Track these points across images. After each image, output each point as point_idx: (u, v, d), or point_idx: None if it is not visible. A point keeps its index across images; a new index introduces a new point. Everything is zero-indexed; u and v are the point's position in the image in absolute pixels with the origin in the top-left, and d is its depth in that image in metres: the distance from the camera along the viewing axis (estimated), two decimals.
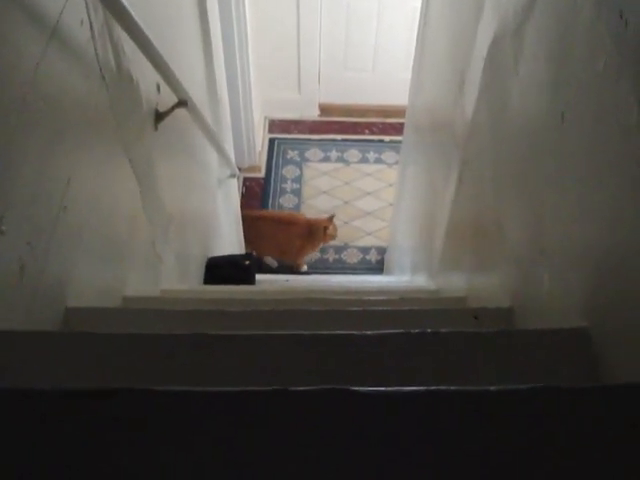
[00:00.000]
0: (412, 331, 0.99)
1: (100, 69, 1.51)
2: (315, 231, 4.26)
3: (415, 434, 0.62)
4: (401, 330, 0.98)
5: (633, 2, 0.88)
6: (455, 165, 2.12)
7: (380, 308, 1.49)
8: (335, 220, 4.39)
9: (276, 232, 4.35)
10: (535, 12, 1.29)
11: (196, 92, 2.93)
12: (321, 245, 4.40)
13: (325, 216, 4.38)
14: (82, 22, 1.40)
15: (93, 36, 1.46)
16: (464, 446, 0.61)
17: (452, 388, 0.64)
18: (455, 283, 2.12)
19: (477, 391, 0.64)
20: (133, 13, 1.50)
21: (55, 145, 1.26)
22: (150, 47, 1.68)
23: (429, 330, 1.00)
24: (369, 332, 0.97)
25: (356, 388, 0.64)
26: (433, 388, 0.64)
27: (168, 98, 2.06)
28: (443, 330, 1.01)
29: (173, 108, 2.02)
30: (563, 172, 1.16)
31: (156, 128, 1.99)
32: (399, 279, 3.53)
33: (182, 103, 2.05)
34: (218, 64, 3.57)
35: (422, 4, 3.43)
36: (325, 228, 4.26)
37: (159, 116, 1.98)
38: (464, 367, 0.92)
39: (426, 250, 2.84)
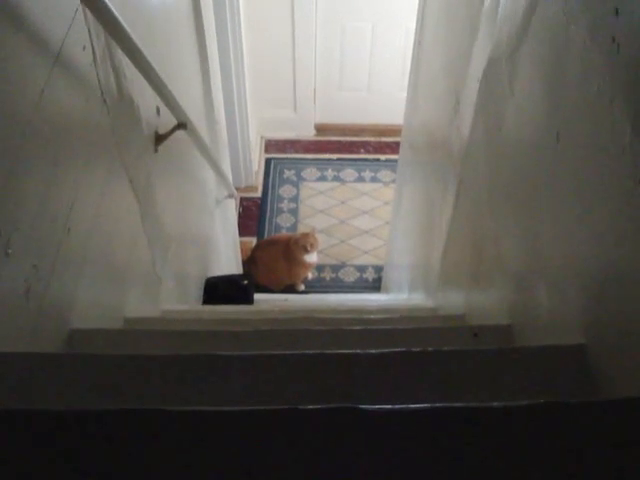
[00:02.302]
0: (413, 350, 1.00)
1: (102, 93, 1.53)
2: (292, 247, 4.26)
3: (421, 450, 0.63)
4: (403, 349, 1.00)
5: (625, 28, 0.91)
6: (452, 184, 2.14)
7: (381, 327, 1.51)
8: (332, 239, 4.41)
9: (263, 255, 4.38)
10: (529, 36, 1.32)
11: (194, 113, 2.96)
12: (306, 262, 4.34)
13: (303, 232, 4.39)
14: (84, 47, 1.43)
15: (95, 61, 1.49)
16: (469, 462, 0.62)
17: (456, 405, 0.66)
18: (453, 301, 2.14)
19: (481, 407, 0.66)
20: (134, 38, 1.53)
21: (59, 168, 1.28)
22: (151, 71, 1.70)
23: (430, 349, 1.02)
24: (372, 351, 0.99)
25: (363, 406, 0.65)
26: (437, 405, 0.66)
27: (168, 120, 2.08)
28: (444, 348, 1.03)
29: (173, 130, 2.05)
30: (559, 191, 1.18)
31: (156, 150, 2.01)
32: (397, 297, 3.54)
33: (181, 125, 2.08)
34: (215, 85, 3.60)
35: (417, 25, 3.47)
36: (297, 242, 4.24)
37: (159, 138, 2.01)
38: (465, 384, 0.94)
39: (424, 268, 2.85)
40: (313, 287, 4.54)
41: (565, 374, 0.99)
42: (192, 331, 1.45)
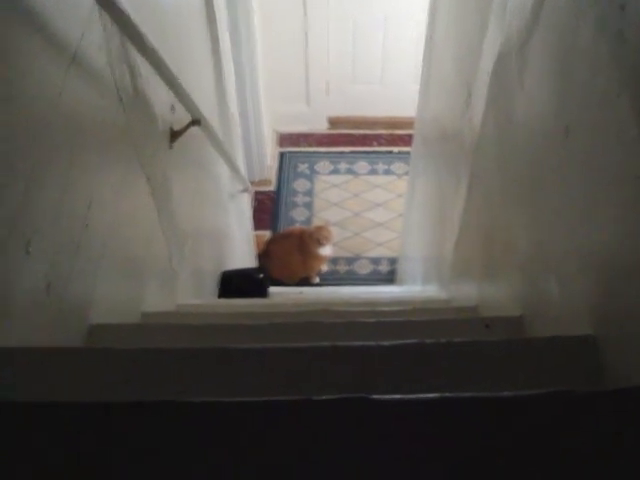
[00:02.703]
0: (426, 341, 1.02)
1: (117, 91, 1.56)
2: (306, 240, 4.29)
3: (431, 440, 0.66)
4: (415, 340, 1.02)
5: (632, 22, 0.92)
6: (464, 176, 2.15)
7: (394, 319, 1.53)
8: (346, 232, 4.43)
9: (277, 249, 4.41)
10: (538, 30, 1.33)
11: (207, 108, 2.99)
12: (321, 254, 4.36)
13: (317, 225, 4.41)
14: (100, 47, 1.45)
15: (110, 60, 1.51)
16: (480, 451, 0.64)
17: (466, 394, 0.68)
18: (466, 292, 2.15)
19: (492, 397, 0.68)
20: (148, 36, 1.55)
21: (77, 167, 1.31)
22: (165, 68, 1.73)
23: (443, 340, 1.04)
24: (385, 343, 1.01)
25: (375, 396, 0.67)
26: (448, 395, 0.68)
27: (182, 117, 2.11)
28: (456, 339, 1.05)
29: (187, 127, 2.08)
30: (569, 183, 1.20)
31: (171, 147, 2.04)
32: (411, 289, 3.56)
33: (196, 122, 2.10)
34: (229, 79, 3.63)
35: (428, 18, 3.48)
36: (311, 235, 4.27)
37: (174, 135, 2.03)
38: (477, 375, 0.96)
39: (437, 260, 2.87)
40: (327, 280, 4.56)
41: (574, 365, 1.00)
42: (207, 325, 1.47)
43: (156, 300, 1.93)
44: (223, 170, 3.19)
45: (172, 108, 2.06)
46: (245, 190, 3.79)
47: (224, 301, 2.85)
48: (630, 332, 0.97)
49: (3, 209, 1.02)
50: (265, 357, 1.02)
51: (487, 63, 1.83)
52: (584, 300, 1.12)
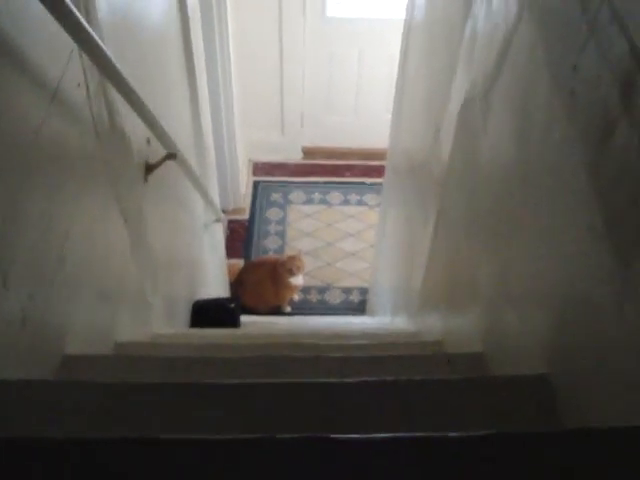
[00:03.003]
0: (387, 379, 1.07)
1: (95, 127, 1.60)
2: (279, 269, 4.32)
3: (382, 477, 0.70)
4: (377, 378, 1.07)
5: (582, 81, 0.99)
6: (432, 210, 2.22)
7: (361, 355, 1.57)
8: (318, 261, 4.48)
9: (250, 278, 4.45)
10: (501, 80, 1.40)
11: (183, 138, 3.04)
12: (293, 284, 4.39)
13: (289, 254, 4.47)
14: (79, 84, 1.50)
15: (89, 97, 1.56)
16: None
17: (415, 435, 0.72)
18: (433, 326, 2.20)
19: (437, 437, 0.72)
20: (125, 74, 1.60)
21: (54, 200, 1.34)
22: (141, 105, 1.77)
23: (403, 378, 1.09)
24: (349, 380, 1.06)
25: (334, 435, 0.72)
26: (399, 435, 0.72)
27: (158, 149, 2.15)
28: (416, 378, 1.10)
29: (162, 160, 2.12)
30: (526, 225, 1.26)
31: (146, 180, 2.08)
32: (380, 320, 3.61)
33: (171, 155, 2.15)
34: (204, 108, 3.68)
35: (400, 55, 3.57)
36: (283, 264, 4.30)
37: (149, 168, 2.07)
38: (434, 413, 1.01)
39: (406, 291, 2.92)
40: (299, 309, 4.59)
41: (527, 404, 1.05)
42: (179, 357, 1.51)
43: (129, 330, 1.95)
44: (197, 201, 3.23)
45: (148, 141, 2.10)
46: (218, 220, 3.83)
47: (194, 331, 2.87)
48: (583, 370, 1.02)
49: None
50: (234, 392, 1.06)
51: (455, 105, 1.90)
52: (540, 338, 1.17)
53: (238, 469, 0.68)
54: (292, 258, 4.32)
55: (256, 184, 5.50)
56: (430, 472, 0.68)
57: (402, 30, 3.53)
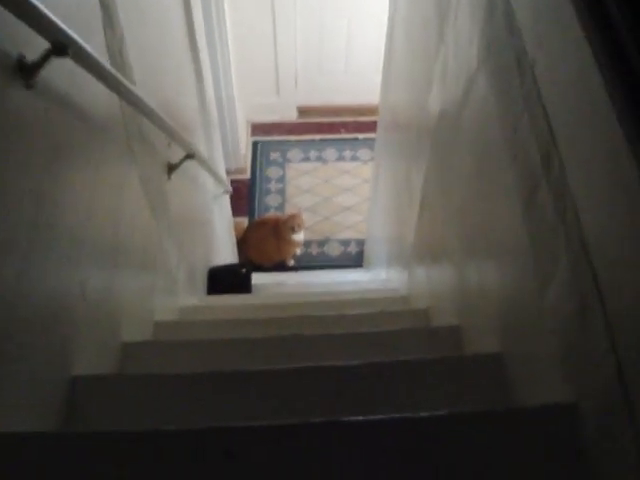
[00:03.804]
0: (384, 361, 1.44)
1: (128, 140, 1.92)
2: (281, 227, 4.69)
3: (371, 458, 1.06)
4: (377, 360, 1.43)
5: (519, 143, 1.31)
6: (423, 162, 2.39)
7: (359, 331, 1.92)
8: (317, 216, 4.83)
9: (254, 235, 4.82)
10: (464, 115, 1.72)
11: (193, 117, 3.36)
12: (294, 240, 4.77)
13: (290, 213, 4.82)
14: (119, 117, 1.82)
15: (125, 126, 1.88)
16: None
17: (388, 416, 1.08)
18: (421, 288, 2.52)
19: (409, 418, 1.09)
20: (152, 105, 1.91)
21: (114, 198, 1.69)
22: (164, 123, 2.09)
23: (394, 359, 1.45)
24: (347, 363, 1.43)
25: (344, 419, 1.08)
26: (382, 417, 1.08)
27: (178, 151, 2.48)
28: (403, 358, 1.47)
29: (182, 161, 2.44)
30: (483, 243, 1.60)
31: (169, 178, 2.41)
32: (376, 278, 3.96)
33: (190, 156, 2.47)
34: (206, 77, 3.97)
35: (389, 15, 3.73)
36: (285, 223, 4.66)
37: (171, 168, 2.40)
38: (415, 393, 1.37)
39: (400, 243, 3.15)
40: (301, 262, 4.97)
41: (485, 381, 1.41)
42: (210, 340, 1.86)
43: (163, 306, 2.31)
44: (208, 176, 3.56)
45: (168, 145, 2.41)
46: (226, 192, 4.16)
47: (213, 303, 3.16)
48: (528, 350, 1.36)
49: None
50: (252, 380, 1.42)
51: (434, 108, 2.19)
52: (495, 316, 1.52)
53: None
54: (292, 217, 4.67)
55: (255, 144, 5.81)
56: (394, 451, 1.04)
57: None
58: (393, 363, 1.46)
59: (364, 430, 1.07)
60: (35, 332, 1.23)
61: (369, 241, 4.87)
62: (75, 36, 1.21)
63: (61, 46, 1.16)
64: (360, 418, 1.08)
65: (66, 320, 1.39)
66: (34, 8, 1.08)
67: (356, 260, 5.02)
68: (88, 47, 1.29)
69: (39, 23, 1.12)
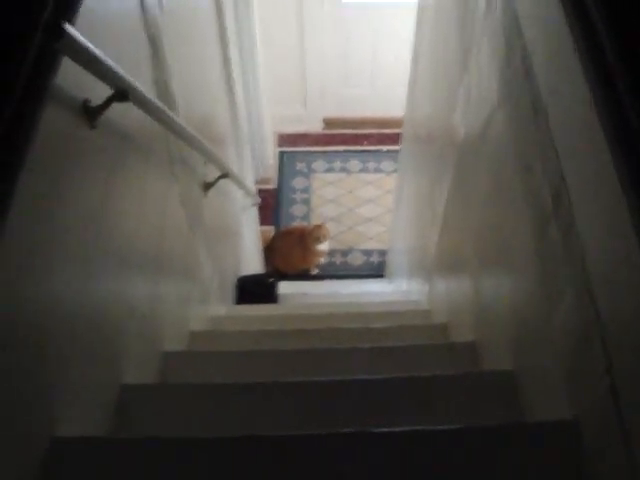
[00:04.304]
0: (411, 375, 1.57)
1: (172, 172, 2.07)
2: (306, 238, 4.86)
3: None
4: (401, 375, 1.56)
5: (531, 180, 1.43)
6: (448, 176, 2.47)
7: (382, 345, 2.05)
8: (340, 226, 4.97)
9: (280, 244, 4.98)
10: (484, 147, 1.85)
11: (225, 132, 3.51)
12: (319, 250, 4.93)
13: (316, 224, 4.97)
14: (165, 147, 1.97)
15: (168, 151, 2.02)
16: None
17: (410, 428, 1.21)
18: (441, 301, 2.64)
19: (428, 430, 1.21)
20: (192, 131, 2.06)
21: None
22: (202, 146, 2.24)
23: (415, 374, 1.58)
24: (374, 377, 1.56)
25: (373, 430, 1.21)
26: (407, 429, 1.21)
27: (213, 169, 2.63)
28: (423, 374, 1.59)
29: (217, 179, 2.59)
30: (500, 252, 1.72)
31: (206, 195, 2.56)
32: (398, 289, 4.08)
33: (224, 175, 2.62)
34: (238, 96, 4.12)
35: (415, 27, 3.84)
36: (310, 234, 4.83)
37: (207, 186, 2.55)
38: (437, 405, 1.50)
39: (422, 256, 3.27)
40: (325, 271, 5.11)
41: (496, 396, 1.53)
42: (243, 352, 2.00)
43: (197, 315, 2.45)
44: (238, 191, 3.70)
45: (205, 163, 2.56)
46: (255, 204, 4.32)
47: (244, 313, 3.30)
48: (539, 366, 1.48)
49: None
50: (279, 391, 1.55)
51: (457, 126, 2.30)
52: (508, 335, 1.64)
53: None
54: (318, 227, 4.81)
55: (281, 155, 5.96)
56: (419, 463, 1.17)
57: (416, 10, 3.80)
58: (414, 378, 1.59)
59: (389, 441, 1.20)
60: (91, 344, 1.37)
61: (391, 252, 4.99)
62: (135, 83, 1.36)
63: (123, 92, 1.31)
64: (385, 430, 1.21)
65: (116, 333, 1.53)
66: (98, 59, 1.22)
67: (378, 270, 5.15)
68: (145, 92, 1.44)
69: (103, 72, 1.26)
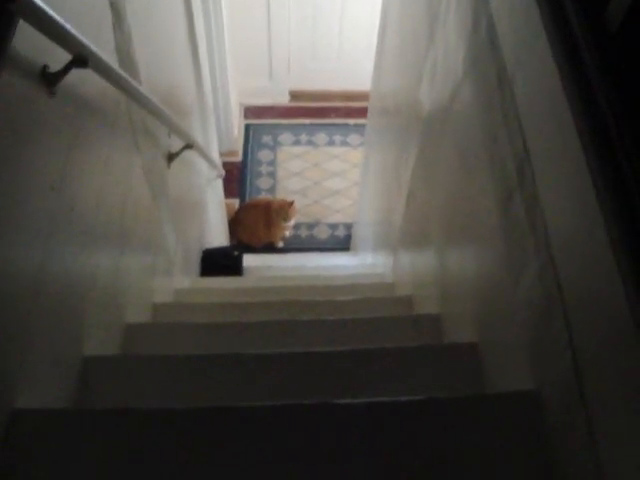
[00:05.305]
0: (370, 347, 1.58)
1: (133, 134, 2.04)
2: (272, 214, 4.82)
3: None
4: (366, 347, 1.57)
5: (498, 151, 1.43)
6: (413, 148, 2.47)
7: (348, 317, 2.06)
8: (306, 199, 4.95)
9: (245, 217, 4.93)
10: (451, 117, 1.84)
11: (190, 102, 3.47)
12: (285, 225, 4.90)
13: (285, 200, 4.92)
14: (126, 114, 1.93)
15: (131, 121, 1.99)
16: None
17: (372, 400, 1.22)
18: (406, 274, 2.64)
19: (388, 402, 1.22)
20: (156, 100, 2.02)
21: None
22: (166, 117, 2.20)
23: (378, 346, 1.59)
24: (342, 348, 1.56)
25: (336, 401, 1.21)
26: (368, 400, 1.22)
27: (177, 140, 2.59)
28: (388, 346, 1.60)
29: (182, 150, 2.55)
30: (465, 225, 1.73)
31: (169, 166, 2.52)
32: (363, 262, 4.09)
33: (189, 146, 2.58)
34: (204, 67, 4.07)
35: (381, 13, 3.83)
36: (277, 211, 4.79)
37: (170, 157, 2.51)
38: (401, 377, 1.51)
39: (387, 228, 3.27)
40: (290, 244, 5.10)
41: (462, 369, 1.55)
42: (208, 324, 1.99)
43: (160, 287, 2.43)
44: (203, 163, 3.67)
45: (168, 134, 2.52)
46: (219, 176, 4.27)
47: (207, 285, 3.28)
48: (503, 339, 1.50)
49: None
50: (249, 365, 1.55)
51: (423, 99, 2.29)
52: (472, 310, 1.65)
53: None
54: (286, 205, 4.78)
55: (247, 127, 5.90)
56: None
57: None
58: (378, 350, 1.59)
59: (352, 412, 1.21)
60: (54, 317, 1.35)
61: (357, 225, 5.00)
62: (95, 49, 1.32)
63: (82, 58, 1.27)
64: (349, 401, 1.21)
65: (79, 303, 1.51)
66: (57, 23, 1.18)
67: (344, 243, 5.15)
68: (106, 58, 1.40)
69: (61, 37, 1.23)
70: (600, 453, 1.00)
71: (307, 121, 5.95)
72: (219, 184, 4.66)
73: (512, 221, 1.35)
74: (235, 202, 5.30)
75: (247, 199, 5.35)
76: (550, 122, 1.18)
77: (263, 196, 5.36)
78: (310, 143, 5.78)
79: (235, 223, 4.99)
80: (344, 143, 5.79)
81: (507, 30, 1.41)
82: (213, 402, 1.34)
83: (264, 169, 5.60)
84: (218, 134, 5.14)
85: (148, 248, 2.26)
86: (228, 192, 5.26)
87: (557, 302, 1.14)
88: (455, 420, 1.21)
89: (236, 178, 5.50)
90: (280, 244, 5.05)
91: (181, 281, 2.84)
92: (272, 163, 5.64)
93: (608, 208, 0.92)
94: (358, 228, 4.91)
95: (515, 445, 1.19)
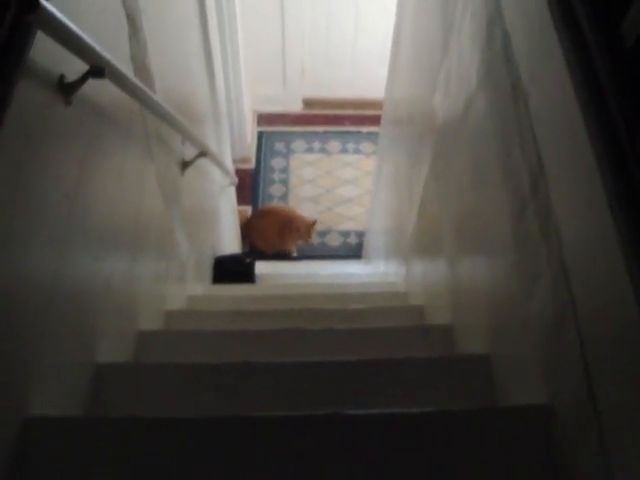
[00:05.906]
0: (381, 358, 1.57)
1: (148, 142, 2.05)
2: (292, 229, 4.83)
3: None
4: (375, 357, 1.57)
5: (511, 166, 1.43)
6: (426, 161, 2.48)
7: (358, 326, 2.05)
8: (318, 206, 4.96)
9: (260, 223, 4.94)
10: (464, 127, 1.84)
11: (204, 110, 3.48)
12: (300, 241, 4.92)
13: (309, 219, 4.92)
14: (140, 121, 1.95)
15: (145, 129, 2.00)
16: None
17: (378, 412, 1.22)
18: (418, 283, 2.64)
19: (399, 414, 1.22)
20: (170, 109, 2.03)
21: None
22: (180, 125, 2.21)
23: (389, 357, 1.59)
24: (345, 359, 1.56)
25: (346, 412, 1.21)
26: (381, 412, 1.22)
27: (191, 148, 2.60)
28: (399, 356, 1.60)
29: (195, 158, 2.56)
30: (478, 235, 1.72)
31: (183, 174, 2.53)
32: (375, 271, 4.08)
33: (202, 154, 2.59)
34: (218, 75, 4.08)
35: (397, 10, 3.82)
36: (298, 229, 4.81)
37: (184, 164, 2.52)
38: (412, 388, 1.50)
39: (399, 237, 3.26)
40: (302, 251, 5.09)
41: (472, 378, 1.55)
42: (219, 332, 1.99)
43: (173, 294, 2.44)
44: (216, 171, 3.68)
45: (182, 141, 2.53)
46: (232, 184, 4.29)
47: (220, 293, 3.28)
48: (515, 350, 1.49)
49: None
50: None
51: (437, 109, 2.29)
52: (484, 318, 1.65)
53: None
54: (310, 227, 4.81)
55: (260, 134, 5.92)
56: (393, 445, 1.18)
57: None
58: (390, 360, 1.59)
59: (364, 423, 1.21)
60: (67, 324, 1.35)
61: (369, 233, 4.99)
62: (111, 59, 1.33)
63: (99, 68, 1.29)
64: (360, 412, 1.21)
65: (92, 310, 1.52)
66: (74, 34, 1.19)
67: (355, 251, 5.15)
68: (122, 68, 1.41)
69: (79, 48, 1.24)
70: (612, 465, 1.00)
71: (320, 129, 5.96)
72: (232, 191, 4.67)
73: (525, 232, 1.35)
74: (247, 209, 5.31)
75: (259, 206, 5.36)
76: (565, 136, 1.17)
77: (279, 204, 5.36)
78: (323, 151, 5.79)
79: (249, 228, 4.98)
80: (357, 151, 5.80)
81: (522, 44, 1.41)
82: (224, 411, 1.34)
83: (277, 176, 5.61)
84: (231, 141, 5.14)
85: (161, 255, 2.27)
86: (240, 199, 5.26)
87: (570, 313, 1.13)
88: (466, 433, 1.21)
89: (248, 185, 5.51)
90: (294, 253, 5.05)
91: (194, 288, 2.85)
92: (285, 170, 5.65)
93: (621, 221, 0.92)
94: (370, 236, 4.91)
95: (526, 459, 1.18)
